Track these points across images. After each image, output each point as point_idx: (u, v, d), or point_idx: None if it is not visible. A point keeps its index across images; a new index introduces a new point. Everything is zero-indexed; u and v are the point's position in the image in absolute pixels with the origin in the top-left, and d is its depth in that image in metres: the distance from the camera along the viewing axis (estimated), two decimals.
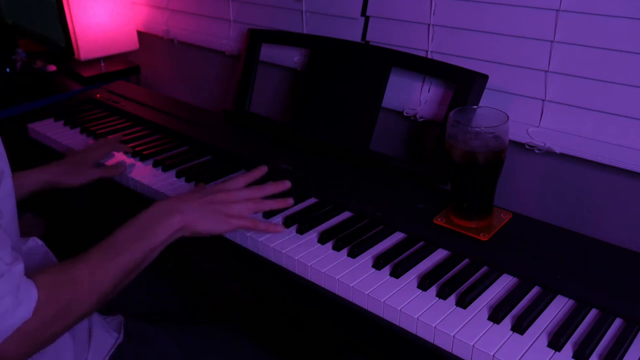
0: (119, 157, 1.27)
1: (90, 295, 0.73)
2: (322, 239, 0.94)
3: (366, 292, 0.82)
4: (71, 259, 0.74)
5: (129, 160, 1.26)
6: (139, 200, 1.18)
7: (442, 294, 0.81)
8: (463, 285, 0.82)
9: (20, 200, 1.06)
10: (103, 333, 0.86)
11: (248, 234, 0.96)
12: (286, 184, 0.95)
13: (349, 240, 0.92)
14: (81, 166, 1.15)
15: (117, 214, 1.39)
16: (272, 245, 0.93)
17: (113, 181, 1.21)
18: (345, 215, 1.02)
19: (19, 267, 0.67)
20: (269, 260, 0.94)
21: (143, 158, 1.26)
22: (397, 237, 0.96)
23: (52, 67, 1.88)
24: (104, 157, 1.24)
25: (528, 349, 0.72)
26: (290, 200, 0.95)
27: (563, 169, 1.05)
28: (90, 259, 0.75)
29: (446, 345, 0.75)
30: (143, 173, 1.20)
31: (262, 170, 0.99)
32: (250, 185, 0.95)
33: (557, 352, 0.71)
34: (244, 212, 0.90)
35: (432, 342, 0.76)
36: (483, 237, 0.91)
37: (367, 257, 0.90)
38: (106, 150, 1.23)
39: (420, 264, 0.88)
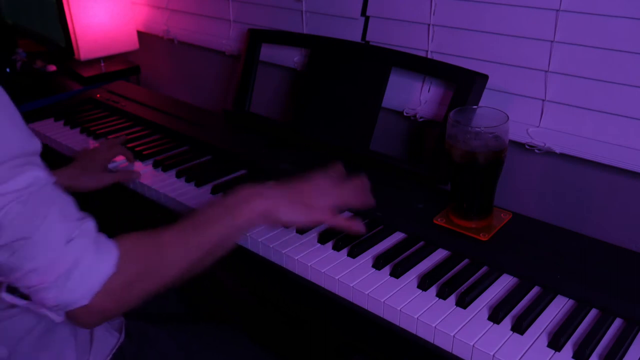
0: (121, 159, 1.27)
1: (175, 263, 0.74)
2: (322, 239, 0.94)
3: (366, 292, 0.82)
4: (161, 227, 0.76)
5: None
6: (139, 200, 1.18)
7: (442, 294, 0.81)
8: (463, 285, 0.82)
9: None
10: (104, 333, 0.86)
11: (248, 234, 0.96)
12: (365, 182, 0.95)
13: (349, 240, 0.92)
14: (94, 170, 1.16)
15: (117, 214, 1.39)
16: (272, 246, 0.93)
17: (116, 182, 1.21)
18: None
19: (91, 223, 0.68)
20: (269, 260, 0.94)
21: (143, 158, 1.26)
22: (397, 237, 0.96)
23: (52, 67, 1.88)
24: (112, 159, 1.23)
25: (528, 349, 0.72)
26: (373, 200, 0.95)
27: (563, 169, 1.05)
28: (179, 229, 0.76)
29: (446, 345, 0.75)
30: (143, 173, 1.20)
31: (339, 167, 0.99)
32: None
33: (557, 352, 0.71)
34: (327, 205, 0.89)
35: (432, 342, 0.76)
36: (483, 237, 0.91)
37: (367, 257, 0.90)
38: (114, 153, 1.23)
39: (420, 264, 0.88)
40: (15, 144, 0.63)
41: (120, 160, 1.24)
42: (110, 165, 1.22)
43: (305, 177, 0.94)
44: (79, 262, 0.65)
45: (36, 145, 0.67)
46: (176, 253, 0.75)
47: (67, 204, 0.68)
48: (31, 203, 0.63)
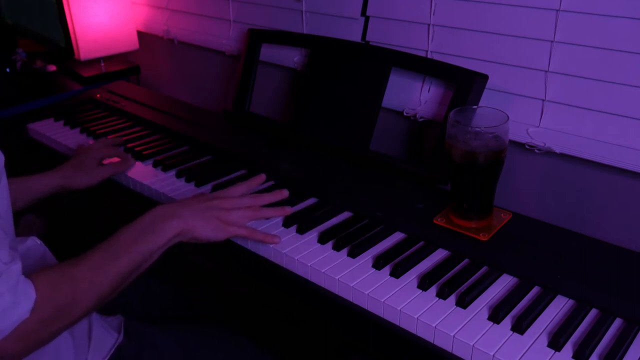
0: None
1: (89, 296, 0.73)
2: (322, 239, 0.94)
3: (366, 292, 0.82)
4: (71, 259, 0.75)
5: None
6: (139, 200, 1.18)
7: (442, 294, 0.81)
8: (463, 285, 0.82)
9: (30, 204, 1.06)
10: (103, 333, 0.86)
11: None
12: (284, 193, 0.96)
13: (349, 240, 0.92)
14: (89, 167, 1.15)
15: (117, 214, 1.39)
16: (272, 245, 0.93)
17: (113, 181, 1.21)
18: (345, 215, 1.02)
19: (17, 266, 0.67)
20: (269, 260, 0.94)
21: (143, 158, 1.26)
22: (397, 237, 0.96)
23: (52, 67, 1.88)
24: (107, 157, 1.23)
25: (528, 349, 0.72)
26: (289, 209, 0.96)
27: (563, 169, 1.05)
28: (90, 260, 0.75)
29: (446, 345, 0.75)
30: (143, 173, 1.20)
31: (261, 178, 1.00)
32: (249, 193, 0.96)
33: (557, 352, 0.71)
34: (242, 220, 0.91)
35: (432, 342, 0.76)
36: (483, 237, 0.91)
37: (367, 257, 0.90)
38: (109, 152, 1.22)
39: (420, 264, 0.88)
40: None
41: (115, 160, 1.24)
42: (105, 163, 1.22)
43: (220, 191, 0.95)
44: None
45: None
46: (89, 287, 0.73)
47: (2, 245, 0.66)
48: None
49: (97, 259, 0.76)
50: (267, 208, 0.94)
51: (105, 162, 1.20)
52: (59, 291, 0.70)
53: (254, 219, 0.93)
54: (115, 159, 1.22)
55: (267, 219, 0.98)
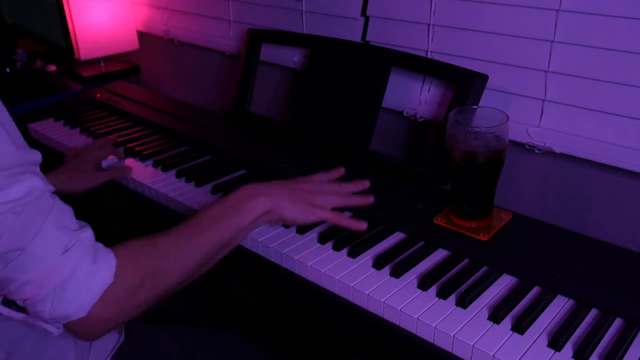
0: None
1: (176, 267, 0.74)
2: (322, 239, 0.94)
3: (366, 292, 0.82)
4: (157, 233, 0.75)
5: (128, 160, 1.26)
6: (139, 200, 1.18)
7: (442, 294, 0.81)
8: (463, 285, 0.82)
9: None
10: None
11: (248, 235, 0.95)
12: (365, 184, 0.96)
13: (349, 240, 0.92)
14: (86, 171, 1.15)
15: (117, 214, 1.40)
16: (272, 246, 0.93)
17: (113, 181, 1.21)
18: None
19: (88, 234, 0.67)
20: (269, 260, 0.94)
21: (143, 158, 1.26)
22: (397, 237, 0.96)
23: (52, 67, 1.88)
24: (103, 158, 1.23)
25: (528, 349, 0.72)
26: (372, 199, 0.95)
27: (563, 169, 1.05)
28: (176, 233, 0.76)
29: (446, 345, 0.75)
30: (143, 173, 1.20)
31: (341, 171, 0.99)
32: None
33: (557, 352, 0.71)
34: (329, 204, 0.90)
35: (432, 342, 0.76)
36: (483, 237, 0.91)
37: (367, 257, 0.90)
38: (105, 153, 1.22)
39: (420, 264, 0.88)
40: (12, 153, 0.62)
41: (112, 159, 1.24)
42: (104, 164, 1.22)
43: (306, 177, 0.94)
44: (76, 273, 0.64)
45: (35, 156, 0.66)
46: (175, 258, 0.74)
47: (64, 213, 0.67)
48: (25, 213, 0.62)
49: (184, 232, 0.76)
50: (354, 196, 0.94)
51: (104, 165, 1.20)
52: (143, 258, 0.71)
53: (341, 205, 0.92)
54: (112, 157, 1.22)
55: (355, 206, 0.97)
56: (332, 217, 0.89)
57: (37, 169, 0.66)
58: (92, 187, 1.14)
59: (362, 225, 0.90)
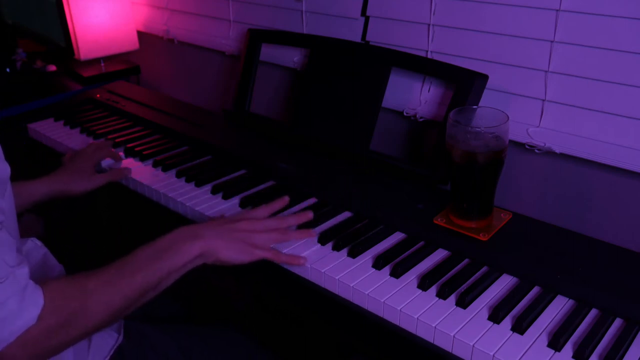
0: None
1: (101, 309, 0.72)
2: (322, 239, 0.93)
3: (366, 292, 0.82)
4: (85, 271, 0.74)
5: (128, 160, 1.26)
6: (139, 200, 1.18)
7: (442, 294, 0.81)
8: (463, 285, 0.82)
9: (26, 208, 1.06)
10: (103, 334, 0.86)
11: None
12: (309, 215, 0.95)
13: (349, 240, 0.92)
14: (85, 172, 1.15)
15: (116, 214, 1.40)
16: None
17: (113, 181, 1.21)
18: (345, 215, 1.02)
19: (24, 271, 0.66)
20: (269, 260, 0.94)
21: (143, 158, 1.26)
22: (397, 237, 0.96)
23: (52, 67, 1.88)
24: (101, 160, 1.23)
25: (528, 349, 0.72)
26: (314, 232, 0.94)
27: (563, 169, 1.05)
28: (104, 274, 0.74)
29: (446, 345, 0.75)
30: (143, 173, 1.20)
31: (284, 200, 0.98)
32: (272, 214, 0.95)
33: (557, 352, 0.71)
34: (268, 243, 0.89)
35: (432, 342, 0.76)
36: (483, 237, 0.91)
37: (367, 257, 0.90)
38: (103, 154, 1.22)
39: (420, 264, 0.88)
40: None
41: (110, 161, 1.24)
42: (104, 164, 1.22)
43: (244, 212, 0.94)
44: (1, 309, 0.63)
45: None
46: (101, 300, 0.72)
47: (6, 246, 0.66)
48: None
49: (112, 274, 0.74)
50: (293, 231, 0.93)
51: (104, 165, 1.20)
52: (69, 300, 0.69)
53: (280, 242, 0.91)
54: (110, 160, 1.22)
55: (295, 240, 0.95)
56: (271, 256, 0.88)
57: None
58: (91, 189, 1.14)
59: (300, 261, 0.89)
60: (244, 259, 0.86)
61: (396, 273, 0.85)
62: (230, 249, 0.85)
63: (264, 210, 0.94)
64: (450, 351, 0.75)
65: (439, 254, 0.91)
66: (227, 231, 0.87)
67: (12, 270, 0.65)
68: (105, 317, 0.73)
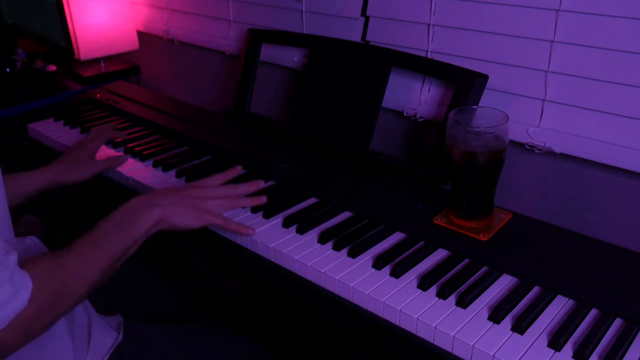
0: (111, 152, 1.28)
1: (80, 283, 0.74)
2: (322, 239, 0.93)
3: (366, 292, 0.82)
4: (58, 250, 0.76)
5: (128, 160, 1.26)
6: None
7: (442, 294, 0.81)
8: (463, 285, 0.82)
9: (25, 201, 1.06)
10: (102, 333, 0.86)
11: None
12: (259, 184, 0.99)
13: (349, 240, 0.92)
14: (81, 161, 1.15)
15: None
16: (271, 245, 0.93)
17: (113, 181, 1.21)
18: (345, 215, 1.02)
19: (13, 258, 0.67)
20: (269, 260, 0.94)
21: (143, 158, 1.26)
22: (397, 237, 0.96)
23: (52, 67, 1.88)
24: (100, 147, 1.22)
25: (528, 349, 0.72)
26: (264, 198, 0.98)
27: (563, 169, 1.05)
28: (77, 251, 0.76)
29: (446, 345, 0.75)
30: (143, 173, 1.20)
31: (237, 170, 1.02)
32: (225, 183, 0.98)
33: (557, 352, 0.71)
34: (218, 208, 0.93)
35: (432, 342, 0.76)
36: (483, 237, 0.91)
37: (367, 257, 0.90)
38: (101, 141, 1.22)
39: (420, 264, 0.88)
40: None
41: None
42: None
43: (198, 181, 0.97)
44: None
45: None
46: (78, 276, 0.74)
47: None
48: None
49: (84, 249, 0.77)
50: (242, 198, 0.97)
51: (98, 157, 1.20)
52: (52, 279, 0.71)
53: (230, 208, 0.96)
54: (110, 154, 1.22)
55: (243, 208, 1.00)
56: (220, 222, 0.92)
57: None
58: (87, 178, 1.14)
59: (249, 232, 0.93)
60: (194, 223, 0.89)
61: (396, 273, 0.85)
62: (183, 215, 0.88)
63: (217, 178, 0.97)
64: (450, 351, 0.75)
65: (439, 254, 0.91)
66: (180, 198, 0.90)
67: (3, 259, 0.66)
68: (84, 292, 0.75)
